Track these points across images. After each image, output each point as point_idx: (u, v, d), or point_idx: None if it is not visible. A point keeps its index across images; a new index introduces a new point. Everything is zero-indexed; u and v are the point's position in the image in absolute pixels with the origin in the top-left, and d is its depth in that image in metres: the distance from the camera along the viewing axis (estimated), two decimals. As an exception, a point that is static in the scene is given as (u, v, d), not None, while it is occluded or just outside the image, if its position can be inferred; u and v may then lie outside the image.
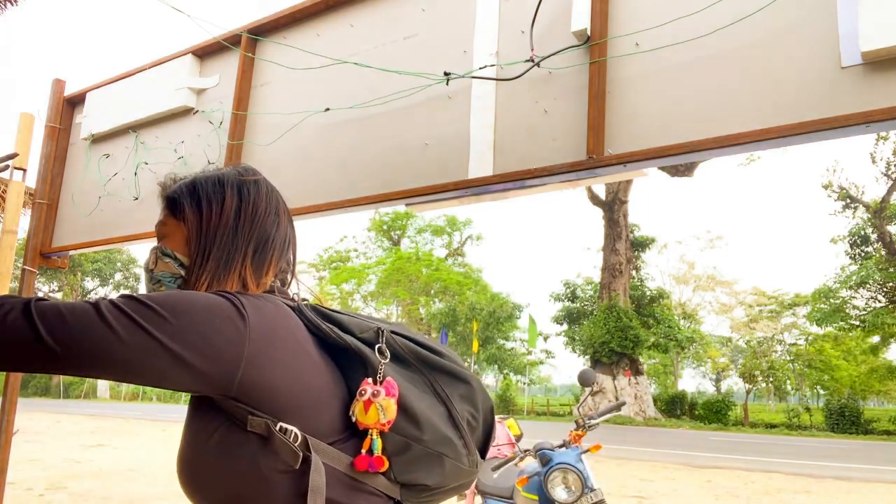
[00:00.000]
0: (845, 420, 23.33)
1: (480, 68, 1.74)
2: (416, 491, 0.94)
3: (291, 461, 0.83)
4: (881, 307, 22.12)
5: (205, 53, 2.47)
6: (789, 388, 34.99)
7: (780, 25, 1.34)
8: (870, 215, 21.32)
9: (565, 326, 30.48)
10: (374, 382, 0.90)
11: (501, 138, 1.70)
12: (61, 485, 7.31)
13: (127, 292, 0.81)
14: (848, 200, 21.68)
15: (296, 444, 0.83)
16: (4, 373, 2.67)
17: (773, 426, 25.45)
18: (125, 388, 42.42)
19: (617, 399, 23.45)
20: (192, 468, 0.87)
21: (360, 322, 0.98)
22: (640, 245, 28.53)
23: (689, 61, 1.44)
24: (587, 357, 25.94)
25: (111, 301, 0.78)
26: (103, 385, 37.85)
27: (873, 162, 20.36)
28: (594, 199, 26.47)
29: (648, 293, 28.40)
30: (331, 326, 0.95)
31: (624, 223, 25.93)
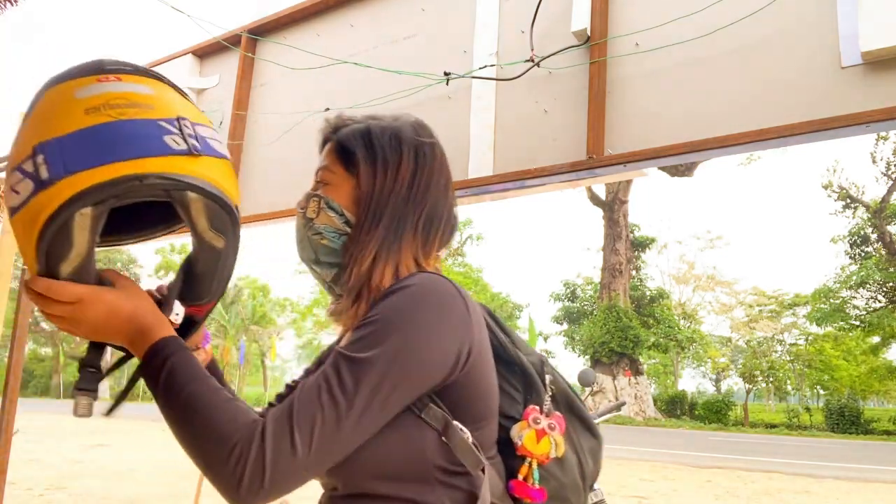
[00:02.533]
0: (845, 420, 23.32)
1: (480, 68, 1.74)
2: None
3: (468, 464, 0.78)
4: (881, 307, 22.13)
5: (205, 53, 2.47)
6: (789, 388, 34.99)
7: (780, 25, 1.34)
8: (870, 215, 21.33)
9: (565, 326, 30.48)
10: (541, 412, 0.88)
11: (501, 138, 1.70)
12: (61, 485, 7.31)
13: (347, 354, 0.72)
14: (848, 200, 21.68)
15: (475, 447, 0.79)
16: (4, 373, 2.67)
17: (773, 426, 25.44)
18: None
19: (617, 399, 23.46)
20: None
21: (524, 342, 0.96)
22: (640, 245, 28.52)
23: (689, 61, 1.44)
24: (587, 357, 25.94)
25: (347, 401, 0.70)
26: (103, 385, 37.79)
27: (873, 162, 20.37)
28: (594, 199, 26.46)
29: (648, 293, 28.39)
30: (507, 336, 0.92)
31: (624, 223, 25.93)
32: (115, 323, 0.77)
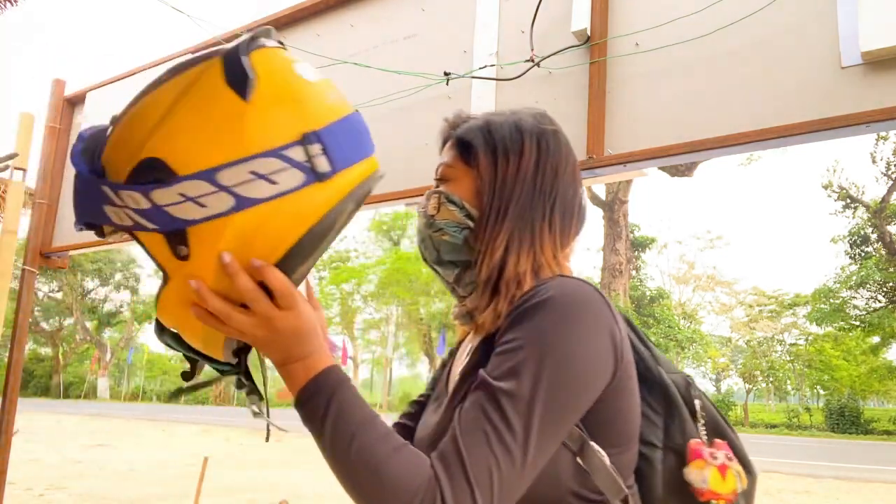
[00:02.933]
0: (845, 420, 23.31)
1: (480, 68, 1.74)
2: None
3: (608, 491, 0.71)
4: (881, 307, 22.12)
5: (205, 53, 2.47)
6: (789, 388, 34.98)
7: (780, 25, 1.34)
8: (870, 215, 21.32)
9: (565, 326, 30.43)
10: (707, 444, 0.80)
11: (501, 138, 1.70)
12: (61, 485, 7.31)
13: (505, 389, 0.66)
14: (848, 200, 21.67)
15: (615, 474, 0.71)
16: (4, 373, 2.67)
17: (773, 426, 25.44)
18: (125, 387, 42.43)
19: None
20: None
21: (665, 357, 0.87)
22: (640, 245, 28.54)
23: (689, 61, 1.44)
24: (587, 357, 25.90)
25: (525, 440, 0.64)
26: (103, 385, 37.86)
27: (873, 162, 20.35)
28: (594, 199, 26.46)
29: (648, 293, 28.40)
30: (648, 350, 0.84)
31: (624, 223, 25.93)
32: (296, 343, 0.69)
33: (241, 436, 14.84)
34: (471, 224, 0.81)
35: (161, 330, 0.72)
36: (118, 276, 38.76)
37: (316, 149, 0.63)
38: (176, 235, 0.62)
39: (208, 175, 0.60)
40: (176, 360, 47.07)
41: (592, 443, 0.71)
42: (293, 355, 0.69)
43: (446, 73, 1.76)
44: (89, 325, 39.41)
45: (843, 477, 9.79)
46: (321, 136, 0.64)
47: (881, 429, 22.94)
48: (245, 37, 0.63)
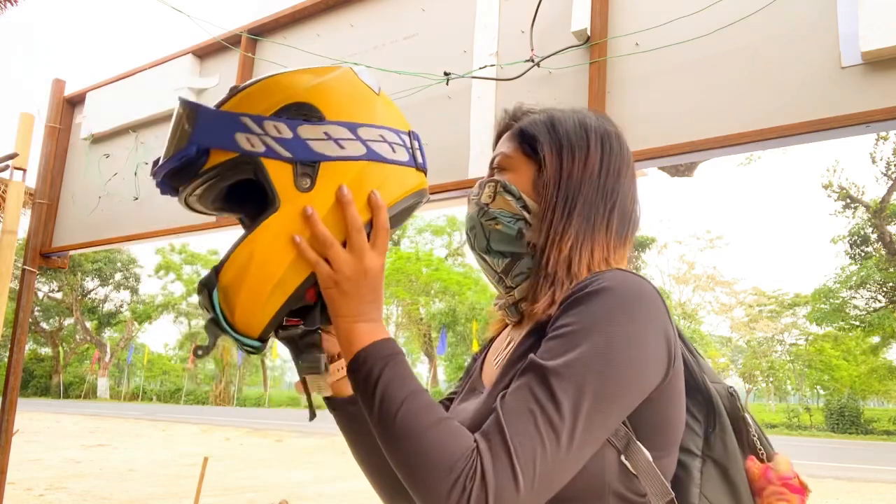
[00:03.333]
0: (845, 420, 23.32)
1: (480, 68, 1.74)
2: None
3: (654, 492, 0.69)
4: (881, 307, 22.12)
5: (205, 53, 2.47)
6: (789, 388, 34.99)
7: (780, 25, 1.34)
8: (870, 215, 21.31)
9: (565, 326, 30.42)
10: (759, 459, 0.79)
11: (501, 138, 1.70)
12: (61, 485, 7.31)
13: (555, 369, 0.65)
14: (848, 200, 21.66)
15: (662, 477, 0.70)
16: (4, 373, 2.67)
17: (773, 426, 25.44)
18: (125, 387, 42.42)
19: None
20: None
21: (708, 365, 0.84)
22: (640, 245, 28.53)
23: (689, 61, 1.44)
24: (587, 357, 25.90)
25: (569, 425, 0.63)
26: (103, 385, 37.86)
27: (873, 162, 20.34)
28: (594, 199, 26.44)
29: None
30: (693, 357, 0.82)
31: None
32: (371, 298, 0.74)
33: (241, 436, 14.84)
34: (526, 216, 0.81)
35: (210, 285, 0.74)
36: (118, 276, 38.74)
37: (416, 144, 0.81)
38: (306, 167, 0.72)
39: (351, 126, 0.74)
40: (176, 361, 47.07)
41: (639, 443, 0.70)
42: (363, 312, 0.73)
43: (446, 73, 1.76)
44: (89, 325, 39.40)
45: (843, 477, 9.79)
46: (418, 138, 0.82)
47: (881, 429, 22.94)
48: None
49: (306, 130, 0.72)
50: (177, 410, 27.52)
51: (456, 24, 1.84)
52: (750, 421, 0.82)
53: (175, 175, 0.73)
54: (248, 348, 0.76)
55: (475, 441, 0.64)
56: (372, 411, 0.68)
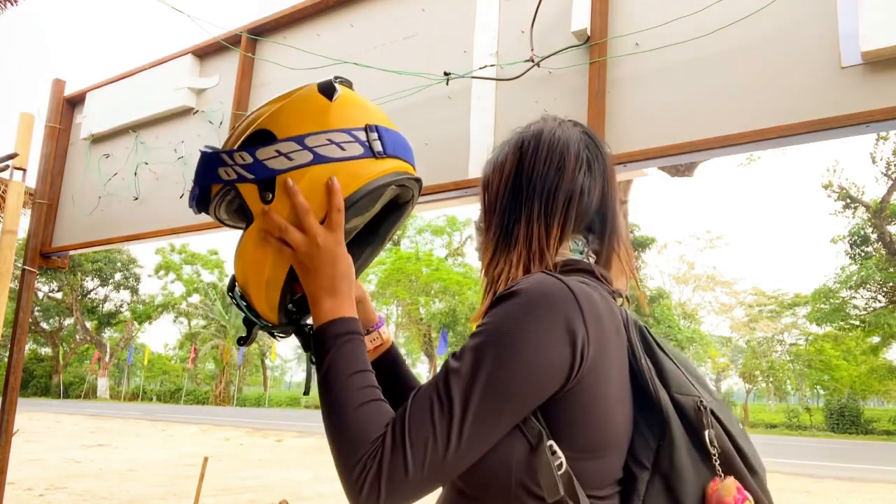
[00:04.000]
0: (845, 420, 23.33)
1: (480, 68, 1.74)
2: None
3: (545, 488, 0.71)
4: (881, 307, 22.11)
5: (205, 53, 2.47)
6: (789, 388, 34.98)
7: (780, 25, 1.34)
8: (870, 215, 21.31)
9: (565, 326, 30.41)
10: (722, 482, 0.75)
11: (501, 138, 1.69)
12: (61, 485, 7.31)
13: (454, 367, 0.72)
14: (848, 200, 21.66)
15: (559, 474, 0.71)
16: (4, 373, 2.67)
17: (773, 426, 25.45)
18: (125, 387, 42.41)
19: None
20: None
21: (680, 375, 0.82)
22: (641, 245, 28.52)
23: (689, 61, 1.44)
24: (587, 357, 25.88)
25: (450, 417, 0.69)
26: (103, 385, 37.85)
27: (873, 162, 20.34)
28: (594, 199, 26.43)
29: (648, 293, 28.40)
30: (650, 367, 0.81)
31: (624, 223, 25.90)
32: (331, 272, 0.83)
33: (240, 436, 14.84)
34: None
35: (233, 287, 0.93)
36: (118, 276, 38.74)
37: (374, 135, 0.88)
38: (266, 184, 0.85)
39: (298, 139, 0.85)
40: (176, 361, 47.03)
41: (551, 441, 0.72)
42: (325, 285, 0.82)
43: (446, 73, 1.76)
44: (89, 325, 39.39)
45: (843, 477, 9.79)
46: (379, 129, 0.89)
47: (881, 429, 22.95)
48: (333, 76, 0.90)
49: (262, 153, 0.85)
50: (177, 410, 27.52)
51: (456, 24, 1.84)
52: (712, 438, 0.77)
53: (200, 202, 0.91)
54: (278, 333, 0.92)
55: (386, 426, 0.71)
56: (319, 384, 0.77)
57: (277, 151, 0.85)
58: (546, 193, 0.84)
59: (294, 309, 0.93)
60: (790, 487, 8.62)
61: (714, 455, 0.77)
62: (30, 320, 2.83)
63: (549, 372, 0.70)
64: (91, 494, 6.83)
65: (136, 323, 39.90)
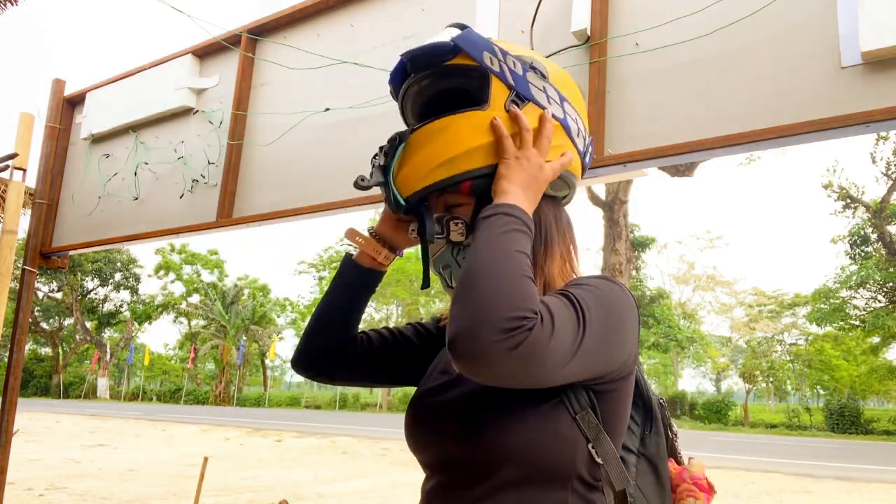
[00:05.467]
0: (845, 420, 23.32)
1: (480, 68, 1.74)
2: None
3: (617, 482, 0.80)
4: (881, 307, 22.10)
5: (205, 53, 2.47)
6: (789, 388, 34.99)
7: (779, 25, 1.34)
8: (870, 215, 21.30)
9: (565, 326, 30.40)
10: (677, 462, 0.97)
11: (501, 138, 1.70)
12: (61, 485, 7.31)
13: (582, 297, 0.79)
14: (848, 200, 21.64)
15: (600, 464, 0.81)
16: (4, 373, 2.67)
17: (773, 426, 25.45)
18: (125, 387, 42.39)
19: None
20: (494, 422, 0.81)
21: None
22: (640, 245, 28.51)
23: (689, 61, 1.44)
24: (587, 357, 25.85)
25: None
26: (103, 385, 37.82)
27: (873, 162, 20.33)
28: (594, 199, 26.42)
29: (648, 293, 28.39)
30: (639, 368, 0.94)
31: (624, 223, 25.88)
32: (533, 176, 0.86)
33: (241, 436, 14.84)
34: None
35: (400, 140, 0.90)
36: (118, 276, 38.73)
37: (590, 150, 1.03)
38: (519, 99, 0.88)
39: (562, 96, 0.93)
40: (176, 361, 47.00)
41: (606, 434, 0.80)
42: (524, 183, 0.85)
43: (446, 73, 1.76)
44: (89, 325, 39.39)
45: (843, 477, 9.79)
46: (592, 145, 1.05)
47: (881, 429, 22.95)
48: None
49: (532, 76, 0.90)
50: (177, 410, 27.52)
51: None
52: (675, 429, 0.99)
53: (418, 57, 0.90)
54: (394, 204, 0.92)
55: (540, 305, 0.73)
56: (489, 244, 0.77)
57: (544, 88, 0.90)
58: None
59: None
60: (790, 487, 8.62)
61: (674, 439, 0.97)
62: (30, 320, 2.83)
63: (630, 350, 0.81)
64: (91, 494, 6.83)
65: (136, 323, 39.90)
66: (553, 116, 0.90)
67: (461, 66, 0.88)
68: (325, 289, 1.08)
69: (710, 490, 0.93)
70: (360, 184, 0.91)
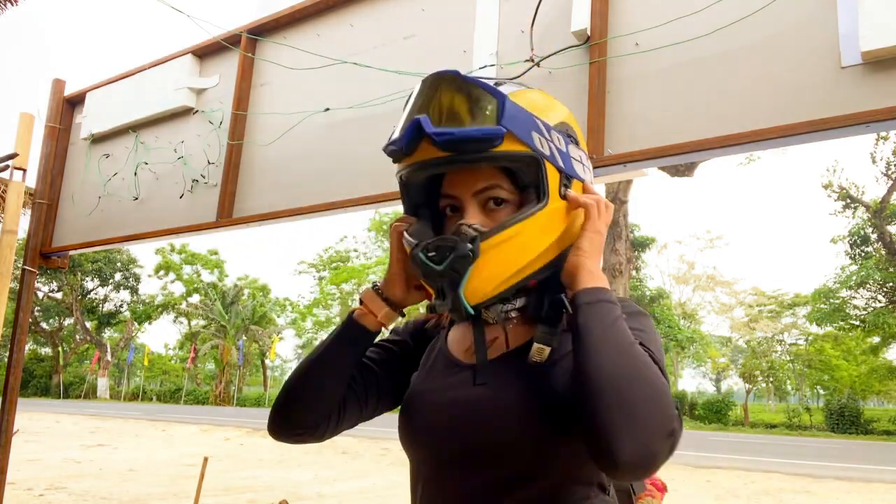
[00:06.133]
0: (845, 420, 23.31)
1: (480, 68, 1.74)
2: None
3: (637, 484, 0.96)
4: (881, 307, 22.10)
5: (205, 53, 2.47)
6: (789, 388, 34.98)
7: (780, 25, 1.34)
8: (870, 215, 21.30)
9: (565, 326, 30.40)
10: None
11: (501, 138, 1.70)
12: (61, 485, 7.31)
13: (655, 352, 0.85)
14: (848, 200, 21.64)
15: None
16: (4, 373, 2.67)
17: (773, 426, 25.44)
18: (125, 387, 42.36)
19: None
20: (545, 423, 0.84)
21: None
22: (640, 245, 28.50)
23: (689, 61, 1.44)
24: (587, 357, 25.85)
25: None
26: (103, 385, 37.81)
27: (873, 162, 20.33)
28: (594, 199, 26.41)
29: (648, 293, 28.39)
30: None
31: (624, 223, 25.87)
32: (600, 256, 0.91)
33: (241, 436, 14.84)
34: None
35: (473, 257, 0.82)
36: (118, 276, 38.72)
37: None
38: (567, 179, 0.88)
39: (586, 154, 0.94)
40: (176, 361, 46.98)
41: None
42: (597, 262, 0.88)
43: (446, 73, 1.76)
44: (89, 325, 39.38)
45: (843, 477, 9.79)
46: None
47: (881, 429, 22.94)
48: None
49: (573, 150, 0.90)
50: (177, 410, 27.50)
51: (456, 24, 1.84)
52: None
53: (463, 143, 0.80)
54: (463, 313, 0.84)
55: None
56: (607, 334, 0.77)
57: (580, 158, 0.91)
58: None
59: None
60: (790, 487, 8.62)
61: None
62: (30, 320, 2.83)
63: None
64: (91, 494, 6.83)
65: (135, 323, 39.89)
66: (585, 181, 0.93)
67: (511, 154, 0.82)
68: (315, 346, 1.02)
69: (663, 489, 1.02)
70: (433, 305, 0.87)
